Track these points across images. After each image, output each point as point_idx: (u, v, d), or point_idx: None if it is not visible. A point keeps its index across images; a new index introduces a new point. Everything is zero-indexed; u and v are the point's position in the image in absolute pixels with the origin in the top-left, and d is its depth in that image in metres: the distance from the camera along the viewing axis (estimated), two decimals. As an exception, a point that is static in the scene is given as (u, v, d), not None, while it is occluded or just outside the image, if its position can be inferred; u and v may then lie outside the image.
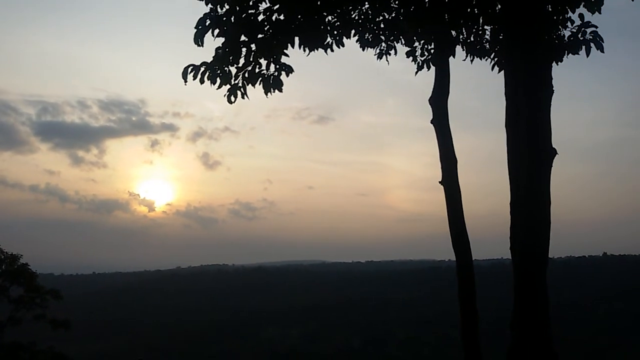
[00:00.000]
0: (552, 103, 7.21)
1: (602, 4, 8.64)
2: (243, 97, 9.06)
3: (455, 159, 7.92)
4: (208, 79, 8.92)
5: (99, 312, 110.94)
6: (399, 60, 10.97)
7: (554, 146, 6.82)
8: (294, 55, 9.41)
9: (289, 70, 9.29)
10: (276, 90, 9.45)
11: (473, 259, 7.45)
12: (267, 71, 9.21)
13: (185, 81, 8.77)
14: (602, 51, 8.88)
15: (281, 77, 9.39)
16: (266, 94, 9.19)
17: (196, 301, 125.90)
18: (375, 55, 11.19)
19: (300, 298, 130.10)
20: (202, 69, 8.86)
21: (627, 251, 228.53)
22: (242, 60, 8.95)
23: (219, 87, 8.92)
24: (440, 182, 7.84)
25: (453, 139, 8.24)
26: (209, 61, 9.02)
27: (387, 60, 11.00)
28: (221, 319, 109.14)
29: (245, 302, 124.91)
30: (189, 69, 8.79)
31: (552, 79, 7.25)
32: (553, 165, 6.94)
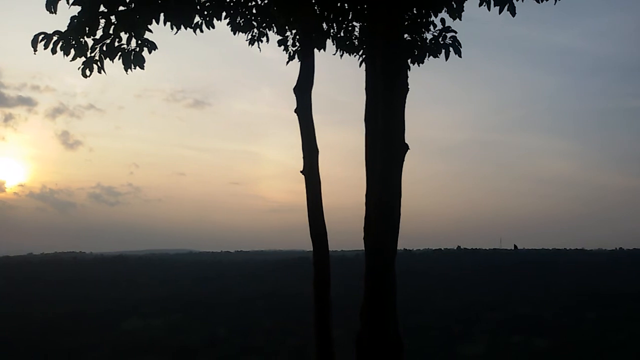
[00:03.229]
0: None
1: (463, 10, 9.12)
2: (100, 72, 8.56)
3: (317, 149, 8.03)
4: (61, 50, 8.31)
5: None
6: (276, 49, 10.93)
7: (407, 142, 7.14)
8: (170, 33, 9.04)
9: (152, 46, 8.89)
10: (139, 68, 9.02)
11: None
12: (128, 46, 8.73)
13: (35, 50, 8.12)
14: (460, 56, 9.36)
15: (144, 54, 8.96)
16: (126, 70, 8.76)
17: (49, 291, 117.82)
18: (247, 40, 11.06)
19: (164, 288, 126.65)
20: (55, 38, 8.22)
21: (479, 245, 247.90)
22: (100, 33, 8.40)
23: (73, 59, 8.36)
24: (301, 172, 7.92)
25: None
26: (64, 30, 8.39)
27: (258, 47, 10.93)
28: (77, 310, 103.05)
29: (104, 292, 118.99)
30: (40, 38, 8.13)
31: (407, 77, 7.60)
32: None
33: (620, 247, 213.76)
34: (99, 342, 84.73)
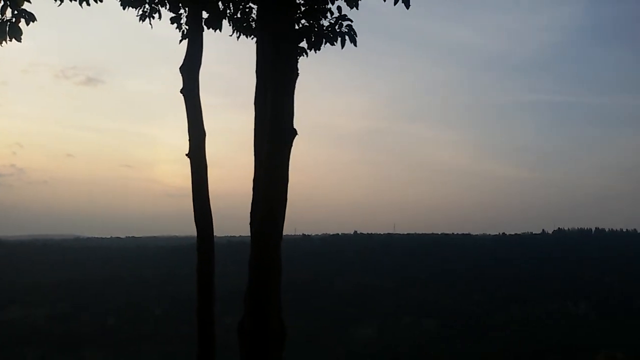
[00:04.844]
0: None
1: (360, -1, 9.18)
2: (-31, 42, 7.79)
3: (204, 131, 7.81)
4: None
5: None
6: (171, 26, 10.49)
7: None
8: (66, 6, 8.38)
9: (30, 17, 8.19)
10: (15, 40, 8.33)
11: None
12: (3, 16, 8.01)
13: None
14: (355, 45, 9.43)
15: (21, 25, 8.27)
16: (0, 43, 8.03)
17: None
18: (137, 16, 10.55)
19: (49, 275, 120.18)
20: None
21: (374, 230, 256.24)
22: (-31, 0, 7.65)
23: (-63, 27, 7.55)
24: (187, 155, 7.68)
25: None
26: None
27: (150, 24, 10.43)
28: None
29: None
30: None
31: (297, 62, 7.56)
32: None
33: (503, 233, 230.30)
34: (-25, 334, 79.06)
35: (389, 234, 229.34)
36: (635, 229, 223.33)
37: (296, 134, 7.14)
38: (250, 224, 7.03)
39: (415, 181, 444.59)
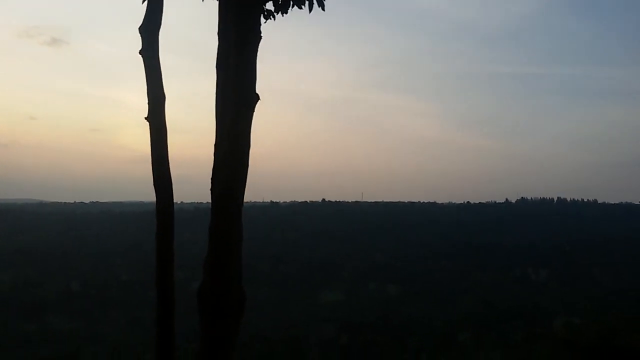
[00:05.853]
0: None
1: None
2: None
3: (164, 94, 7.60)
4: None
5: None
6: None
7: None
8: None
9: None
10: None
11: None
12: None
13: None
14: (323, 9, 9.23)
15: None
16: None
17: None
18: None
19: (12, 241, 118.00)
20: None
21: (342, 198, 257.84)
22: None
23: None
24: (145, 118, 7.47)
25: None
26: None
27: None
28: None
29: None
30: None
31: (260, 25, 7.39)
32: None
33: (468, 201, 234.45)
34: None
35: (356, 201, 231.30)
36: (595, 199, 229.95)
37: (258, 99, 7.00)
38: (211, 190, 6.94)
39: (382, 150, 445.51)
